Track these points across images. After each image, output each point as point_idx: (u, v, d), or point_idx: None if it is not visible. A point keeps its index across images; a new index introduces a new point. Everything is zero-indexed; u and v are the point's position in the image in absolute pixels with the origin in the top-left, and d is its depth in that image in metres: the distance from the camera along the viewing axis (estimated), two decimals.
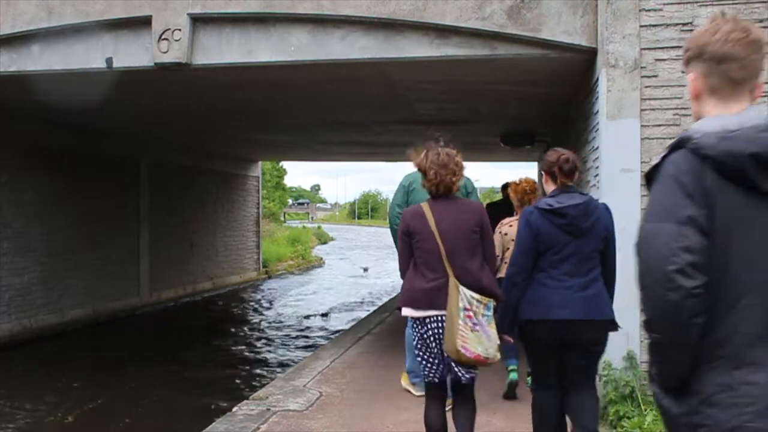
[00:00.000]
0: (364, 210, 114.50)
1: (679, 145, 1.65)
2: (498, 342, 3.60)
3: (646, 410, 4.60)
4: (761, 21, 4.88)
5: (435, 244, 3.55)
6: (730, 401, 1.53)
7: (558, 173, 3.57)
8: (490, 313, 3.55)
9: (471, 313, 3.47)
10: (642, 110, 5.00)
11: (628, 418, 4.63)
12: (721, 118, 1.64)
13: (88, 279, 12.20)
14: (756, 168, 1.55)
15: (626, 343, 4.93)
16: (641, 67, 5.01)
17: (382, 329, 9.13)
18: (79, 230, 11.94)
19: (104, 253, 12.68)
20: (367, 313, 12.13)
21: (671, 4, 4.99)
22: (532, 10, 5.45)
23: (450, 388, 3.82)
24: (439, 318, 3.55)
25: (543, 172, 3.69)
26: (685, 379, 1.59)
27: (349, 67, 6.37)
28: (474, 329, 3.46)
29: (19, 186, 10.58)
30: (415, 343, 3.72)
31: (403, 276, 3.78)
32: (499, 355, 3.63)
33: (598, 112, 5.31)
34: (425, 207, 3.64)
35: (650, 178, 1.71)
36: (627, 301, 4.95)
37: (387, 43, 5.85)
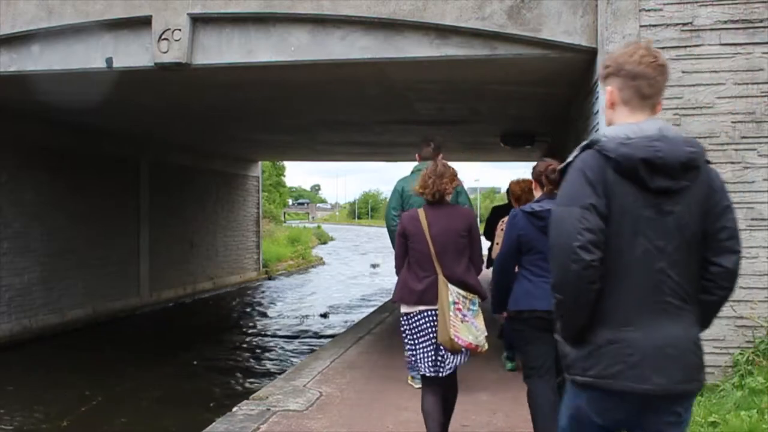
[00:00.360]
0: (364, 210, 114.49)
1: (589, 145, 2.05)
2: (485, 333, 4.00)
3: None
4: (761, 21, 4.88)
5: (426, 246, 3.96)
6: (615, 352, 1.98)
7: (545, 181, 3.92)
8: (476, 307, 3.98)
9: (460, 306, 3.91)
10: None
11: None
12: (625, 127, 2.05)
13: (88, 279, 12.20)
14: (645, 169, 1.97)
15: None
16: None
17: (382, 329, 9.12)
18: (79, 230, 11.94)
19: (104, 253, 12.68)
20: (366, 313, 12.12)
21: (671, 4, 4.99)
22: (532, 10, 5.45)
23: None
24: (430, 312, 3.95)
25: (533, 180, 4.04)
26: (582, 332, 2.02)
27: (349, 67, 6.37)
28: (464, 320, 3.90)
29: (19, 186, 10.57)
30: (404, 335, 4.13)
31: (398, 273, 4.21)
32: (487, 345, 4.02)
33: (598, 112, 5.31)
34: (421, 212, 4.06)
35: (563, 172, 2.09)
36: None
37: (387, 43, 5.85)
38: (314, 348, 9.77)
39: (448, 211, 4.06)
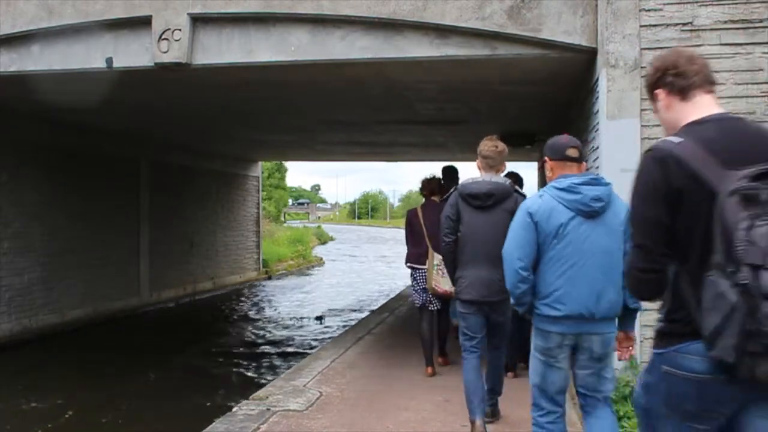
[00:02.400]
0: (364, 210, 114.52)
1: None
2: None
3: None
4: (761, 21, 4.88)
5: (422, 230, 6.33)
6: (461, 281, 4.53)
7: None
8: None
9: (440, 268, 5.94)
10: (642, 110, 5.00)
11: (628, 418, 4.62)
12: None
13: (88, 279, 12.20)
14: (470, 198, 4.49)
15: None
16: (641, 67, 5.01)
17: (382, 329, 9.13)
18: (79, 230, 11.94)
19: (104, 253, 12.68)
20: (365, 315, 12.12)
21: (671, 4, 4.99)
22: (532, 10, 5.45)
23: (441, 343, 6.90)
24: (423, 270, 6.34)
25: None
26: (454, 272, 4.64)
27: (349, 67, 6.37)
28: (442, 276, 5.92)
29: (19, 186, 10.58)
30: (411, 282, 6.61)
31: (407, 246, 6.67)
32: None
33: (598, 112, 5.31)
34: (419, 209, 6.58)
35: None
36: None
37: (387, 43, 5.85)
38: (305, 351, 9.77)
39: (436, 207, 6.07)
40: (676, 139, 2.04)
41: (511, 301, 3.51)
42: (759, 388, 1.91)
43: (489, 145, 4.54)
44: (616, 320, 3.40)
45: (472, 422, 4.35)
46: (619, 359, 3.58)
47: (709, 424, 2.01)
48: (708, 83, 2.15)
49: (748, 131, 2.07)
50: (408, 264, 6.56)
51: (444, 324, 6.75)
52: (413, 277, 6.47)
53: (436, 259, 6.00)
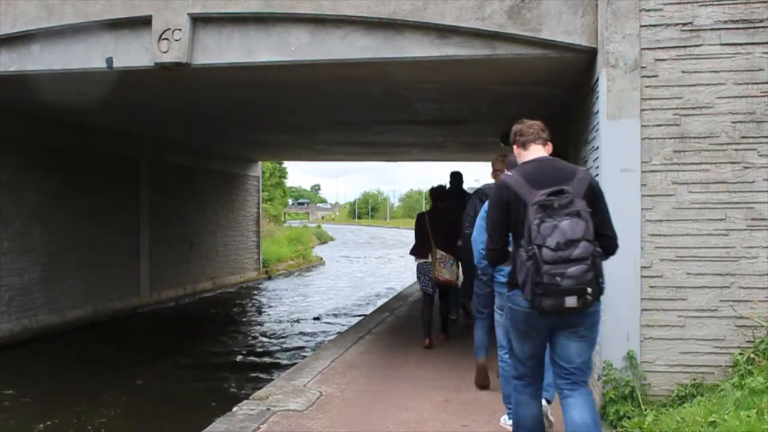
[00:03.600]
0: (364, 210, 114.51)
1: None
2: (460, 276, 7.45)
3: (646, 410, 4.61)
4: (761, 21, 4.88)
5: (427, 231, 7.75)
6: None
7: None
8: (452, 261, 7.53)
9: (443, 261, 7.53)
10: (642, 110, 5.00)
11: (628, 417, 4.63)
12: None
13: (88, 279, 12.20)
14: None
15: (626, 343, 4.94)
16: (641, 67, 5.01)
17: (382, 329, 9.13)
18: (79, 230, 11.94)
19: (104, 253, 12.68)
20: (364, 315, 12.12)
21: (671, 4, 4.99)
22: (532, 10, 5.44)
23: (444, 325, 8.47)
24: (427, 263, 7.72)
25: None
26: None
27: (349, 67, 6.37)
28: (444, 267, 7.52)
29: (19, 186, 10.58)
30: (417, 273, 7.97)
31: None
32: (460, 281, 7.51)
33: (598, 112, 5.31)
34: (426, 214, 8.03)
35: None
36: (627, 301, 4.97)
37: (387, 43, 5.84)
38: (300, 352, 9.77)
39: (441, 213, 7.85)
40: (510, 173, 3.58)
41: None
42: (558, 318, 3.37)
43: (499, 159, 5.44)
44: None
45: (478, 362, 6.05)
46: None
47: (536, 339, 3.55)
48: (538, 138, 3.69)
49: (551, 167, 3.55)
50: (414, 256, 8.05)
51: (445, 307, 8.37)
52: (418, 267, 7.92)
53: (438, 253, 7.55)
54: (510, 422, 4.34)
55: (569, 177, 3.45)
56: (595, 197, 3.45)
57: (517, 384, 3.76)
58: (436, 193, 8.14)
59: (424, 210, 9.02)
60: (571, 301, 3.25)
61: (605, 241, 3.44)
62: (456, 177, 9.35)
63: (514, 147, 3.79)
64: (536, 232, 3.26)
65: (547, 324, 3.44)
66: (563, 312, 3.31)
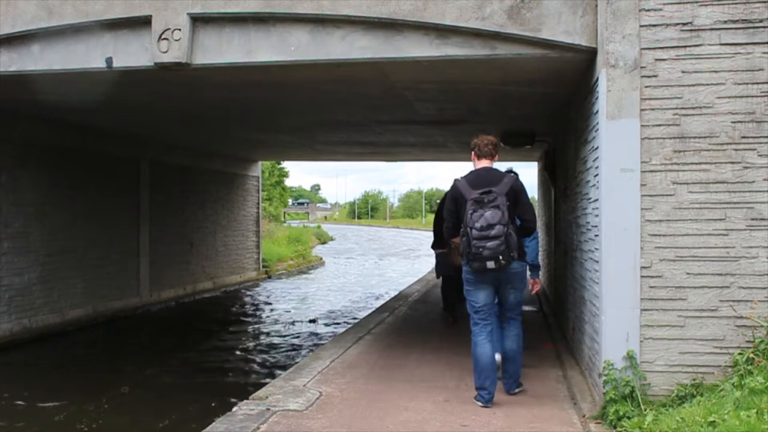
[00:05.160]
0: (364, 210, 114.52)
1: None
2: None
3: (646, 410, 4.61)
4: (761, 21, 4.88)
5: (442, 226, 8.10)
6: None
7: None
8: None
9: (457, 249, 6.77)
10: (642, 110, 5.00)
11: (628, 417, 4.63)
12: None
13: (89, 279, 12.20)
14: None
15: (626, 343, 4.94)
16: (641, 67, 5.01)
17: (382, 329, 9.13)
18: (79, 230, 11.94)
19: (104, 253, 12.69)
20: (362, 317, 12.11)
21: (671, 4, 4.99)
22: (532, 10, 5.45)
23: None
24: (444, 252, 8.81)
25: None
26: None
27: (349, 67, 6.37)
28: (459, 255, 7.16)
29: (19, 186, 10.58)
30: (436, 261, 9.67)
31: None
32: None
33: (598, 112, 5.31)
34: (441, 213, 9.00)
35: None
36: (627, 301, 4.98)
37: (387, 43, 5.84)
38: (297, 352, 9.77)
39: None
40: (459, 179, 5.35)
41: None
42: (498, 274, 5.15)
43: None
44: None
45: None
46: None
47: (484, 290, 5.29)
48: (488, 153, 5.42)
49: (487, 175, 5.30)
50: (433, 248, 9.77)
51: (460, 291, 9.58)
52: (437, 256, 9.58)
53: (453, 243, 8.33)
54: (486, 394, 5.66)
55: (497, 181, 5.21)
56: (516, 195, 5.21)
57: (474, 330, 5.39)
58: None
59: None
60: (490, 264, 5.04)
61: (525, 224, 5.35)
62: None
63: (472, 153, 5.51)
64: (469, 218, 5.07)
65: (488, 281, 5.28)
66: (487, 271, 5.10)
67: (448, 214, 5.37)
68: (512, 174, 5.32)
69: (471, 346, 5.41)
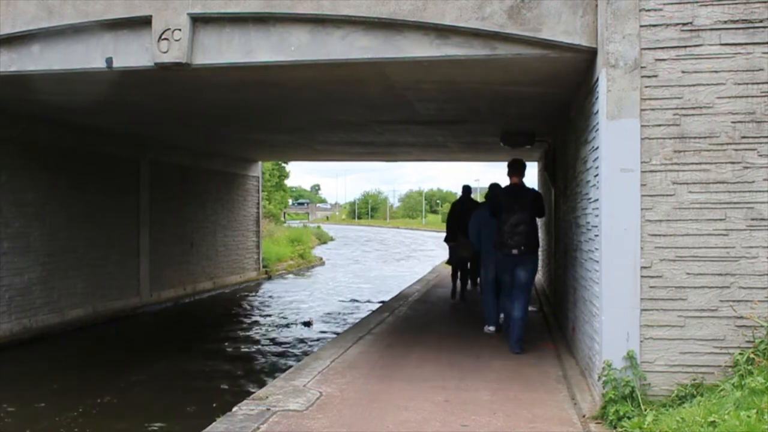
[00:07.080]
0: (364, 210, 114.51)
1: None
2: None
3: (646, 410, 4.61)
4: (761, 21, 4.88)
5: (454, 223, 11.63)
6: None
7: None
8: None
9: (465, 243, 9.89)
10: (642, 110, 5.00)
11: (628, 417, 4.63)
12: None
13: (89, 279, 12.20)
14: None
15: (626, 343, 4.94)
16: (641, 67, 5.01)
17: (382, 329, 9.13)
18: (79, 230, 11.94)
19: (104, 253, 12.69)
20: (361, 318, 12.11)
21: (671, 4, 4.99)
22: (532, 10, 5.45)
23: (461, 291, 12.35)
24: (455, 244, 11.40)
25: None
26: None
27: (349, 67, 6.37)
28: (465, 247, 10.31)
29: (19, 186, 10.58)
30: (449, 252, 12.34)
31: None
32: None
33: (598, 112, 5.31)
34: (453, 213, 12.18)
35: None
36: (627, 301, 4.98)
37: (387, 43, 5.84)
38: (294, 355, 9.76)
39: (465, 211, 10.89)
40: (497, 189, 8.64)
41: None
42: (514, 259, 7.43)
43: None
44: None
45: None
46: None
47: (505, 270, 7.67)
48: (517, 172, 7.71)
49: (518, 188, 7.59)
50: (445, 241, 12.31)
51: (464, 277, 12.37)
52: (450, 249, 12.09)
53: (461, 239, 10.44)
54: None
55: (525, 193, 7.51)
56: (534, 202, 7.47)
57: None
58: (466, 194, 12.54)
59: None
60: (515, 251, 7.33)
61: (538, 215, 7.57)
62: (466, 189, 12.59)
63: (507, 171, 7.77)
64: (504, 219, 7.37)
65: (509, 262, 7.48)
66: (511, 256, 7.36)
67: (475, 218, 8.87)
68: (534, 189, 7.75)
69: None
